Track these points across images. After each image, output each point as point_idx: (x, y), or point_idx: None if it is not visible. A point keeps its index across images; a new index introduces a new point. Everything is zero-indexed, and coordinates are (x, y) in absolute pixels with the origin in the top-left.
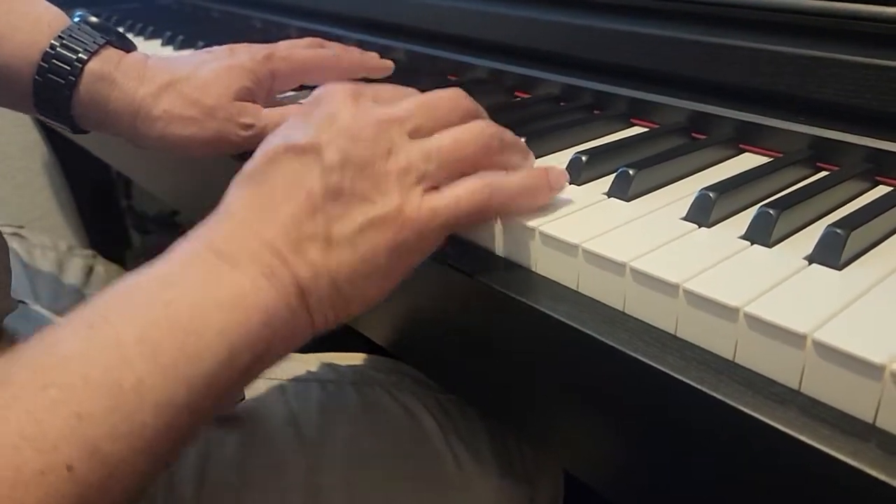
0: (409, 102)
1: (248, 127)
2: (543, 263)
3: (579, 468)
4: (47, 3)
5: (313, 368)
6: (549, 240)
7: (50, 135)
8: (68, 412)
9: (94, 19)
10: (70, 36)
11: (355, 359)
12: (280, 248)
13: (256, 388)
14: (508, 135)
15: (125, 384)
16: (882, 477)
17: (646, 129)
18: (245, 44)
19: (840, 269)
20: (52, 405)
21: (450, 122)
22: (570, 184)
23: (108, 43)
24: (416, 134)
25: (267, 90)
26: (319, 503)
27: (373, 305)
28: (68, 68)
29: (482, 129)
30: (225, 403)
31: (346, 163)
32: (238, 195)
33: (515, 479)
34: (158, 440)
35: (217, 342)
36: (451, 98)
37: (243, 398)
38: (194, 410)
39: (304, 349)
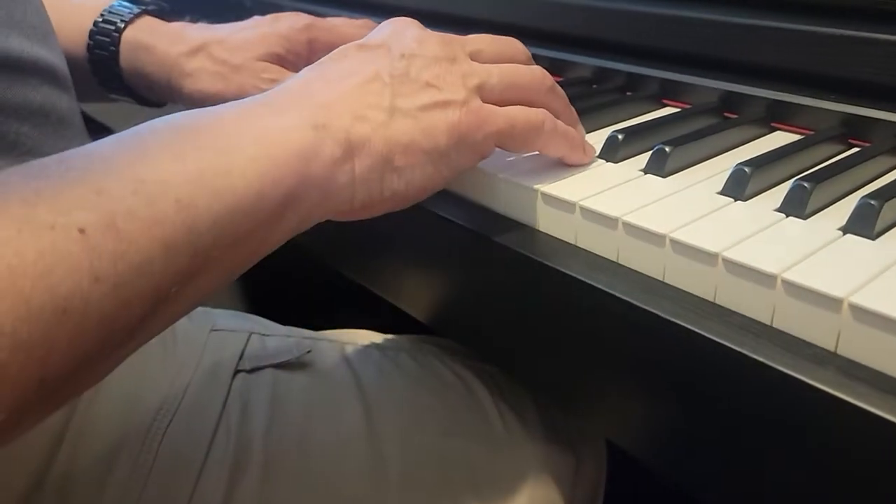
0: (472, 35)
1: (272, 82)
2: (584, 236)
3: (621, 437)
4: None
5: (371, 340)
6: (589, 214)
7: None
8: (88, 187)
9: None
10: (109, 12)
11: (408, 336)
12: (337, 108)
13: (318, 346)
14: (560, 88)
15: (147, 176)
16: None
17: (678, 109)
18: (293, 12)
19: (874, 238)
20: (72, 181)
21: (506, 57)
22: (608, 161)
23: (145, 12)
24: (477, 57)
25: (303, 59)
26: (377, 450)
27: (412, 200)
28: (108, 40)
29: (538, 67)
30: (250, 253)
31: (413, 57)
32: (297, 77)
33: (561, 447)
34: (177, 240)
35: (247, 167)
36: (509, 40)
37: (309, 351)
38: (218, 235)
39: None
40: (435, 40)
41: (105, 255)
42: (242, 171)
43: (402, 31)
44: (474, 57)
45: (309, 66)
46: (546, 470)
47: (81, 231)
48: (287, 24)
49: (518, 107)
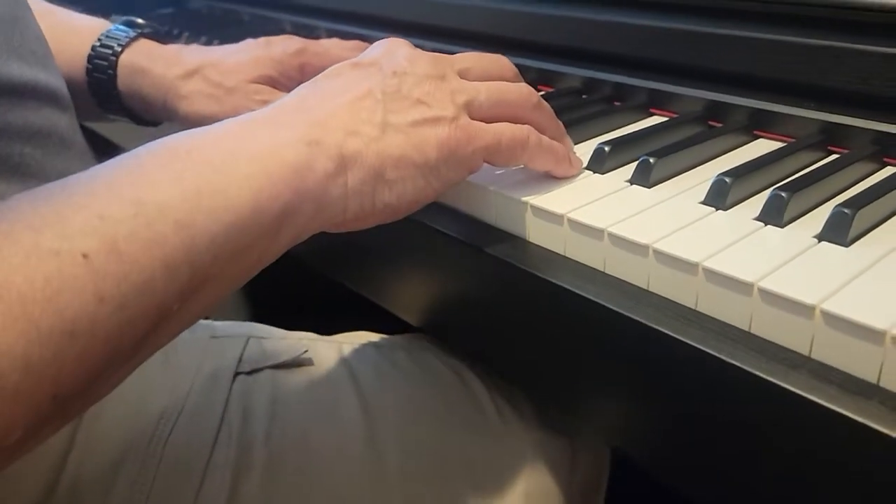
0: (460, 54)
1: (264, 103)
2: (572, 247)
3: (616, 440)
4: (86, 16)
5: (367, 339)
6: (576, 225)
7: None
8: (90, 213)
9: (140, 21)
10: (107, 36)
11: (402, 335)
12: (330, 125)
13: (315, 346)
14: (546, 104)
15: (147, 198)
16: (884, 430)
17: (665, 119)
18: (285, 36)
19: (847, 245)
20: (75, 207)
21: (494, 74)
22: (595, 172)
23: (142, 35)
24: (466, 75)
25: (295, 82)
26: (375, 445)
27: (403, 212)
28: (106, 63)
29: (524, 85)
30: (248, 267)
31: (405, 75)
32: (291, 95)
33: (556, 433)
34: (177, 259)
35: (243, 184)
36: (497, 57)
37: (306, 351)
38: (217, 252)
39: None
40: (425, 59)
41: (109, 277)
42: (239, 189)
43: (394, 51)
44: (463, 75)
45: (303, 84)
46: (542, 457)
47: (85, 256)
48: (280, 49)
49: (504, 123)
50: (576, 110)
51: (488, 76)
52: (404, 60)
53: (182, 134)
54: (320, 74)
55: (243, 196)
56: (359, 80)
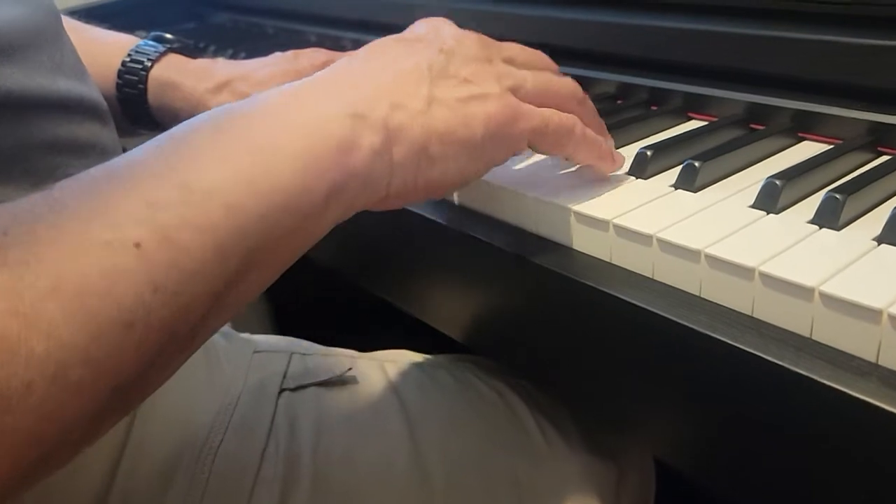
0: (505, 43)
1: None
2: (619, 254)
3: (665, 452)
4: (113, 31)
5: (408, 359)
6: (623, 231)
7: None
8: (138, 200)
9: (168, 36)
10: (136, 51)
11: (444, 355)
12: (375, 97)
13: (358, 364)
14: (590, 100)
15: (194, 183)
16: None
17: (704, 123)
18: (313, 49)
19: None
20: (122, 195)
21: (537, 66)
22: (637, 178)
23: (171, 50)
24: (511, 63)
25: None
26: (420, 463)
27: (445, 191)
28: (136, 78)
29: (570, 78)
30: (297, 247)
31: (452, 54)
32: (337, 65)
33: (602, 457)
34: (228, 244)
35: (290, 162)
36: (539, 52)
37: (350, 368)
38: (267, 235)
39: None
40: (472, 39)
41: (161, 265)
42: (286, 169)
43: (440, 27)
44: (508, 62)
45: (349, 56)
46: (588, 481)
47: (137, 245)
48: (307, 61)
49: (551, 109)
50: (612, 115)
51: (531, 68)
52: (451, 39)
53: (223, 109)
54: (365, 47)
55: (291, 175)
56: (405, 54)
